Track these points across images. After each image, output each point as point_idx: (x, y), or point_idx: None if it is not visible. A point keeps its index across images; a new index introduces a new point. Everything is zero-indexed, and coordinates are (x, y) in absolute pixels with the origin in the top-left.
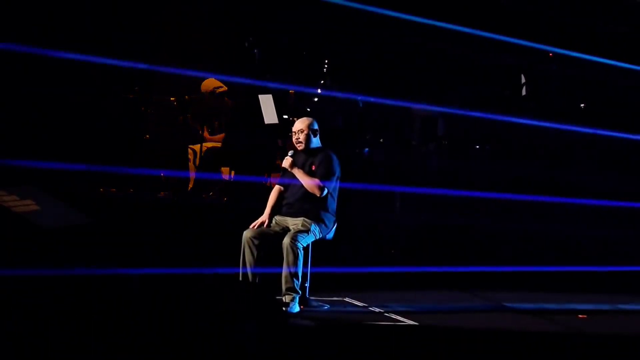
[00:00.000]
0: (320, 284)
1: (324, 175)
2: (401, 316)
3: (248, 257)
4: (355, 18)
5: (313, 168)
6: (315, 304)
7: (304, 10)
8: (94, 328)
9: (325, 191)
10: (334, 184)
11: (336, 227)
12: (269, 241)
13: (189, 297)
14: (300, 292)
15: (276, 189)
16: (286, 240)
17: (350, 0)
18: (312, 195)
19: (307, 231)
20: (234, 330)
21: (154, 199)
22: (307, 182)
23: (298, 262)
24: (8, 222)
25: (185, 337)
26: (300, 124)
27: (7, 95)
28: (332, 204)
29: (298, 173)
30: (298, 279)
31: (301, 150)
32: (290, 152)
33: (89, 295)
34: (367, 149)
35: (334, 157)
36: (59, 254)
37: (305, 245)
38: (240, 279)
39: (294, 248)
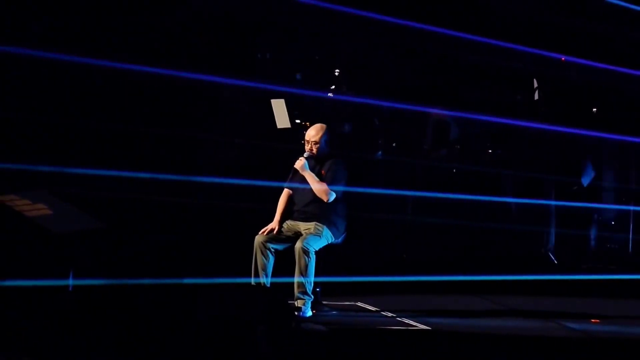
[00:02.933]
0: (332, 289)
1: (332, 181)
2: (413, 320)
3: (260, 262)
4: (369, 24)
5: (323, 173)
6: (327, 308)
7: (315, 16)
8: (107, 335)
9: (333, 196)
10: (342, 190)
11: (347, 231)
12: (281, 246)
13: (202, 303)
14: (312, 297)
15: (285, 193)
16: (298, 245)
17: (366, 10)
18: (322, 199)
19: (320, 235)
20: (247, 335)
21: (166, 204)
22: (316, 186)
23: (310, 266)
24: (20, 227)
25: (199, 342)
26: (314, 135)
27: (22, 99)
28: (343, 209)
29: (308, 176)
30: (311, 283)
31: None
32: (306, 154)
33: (102, 301)
34: (380, 153)
35: (343, 164)
36: (71, 259)
37: (317, 249)
38: (253, 283)
39: (307, 252)
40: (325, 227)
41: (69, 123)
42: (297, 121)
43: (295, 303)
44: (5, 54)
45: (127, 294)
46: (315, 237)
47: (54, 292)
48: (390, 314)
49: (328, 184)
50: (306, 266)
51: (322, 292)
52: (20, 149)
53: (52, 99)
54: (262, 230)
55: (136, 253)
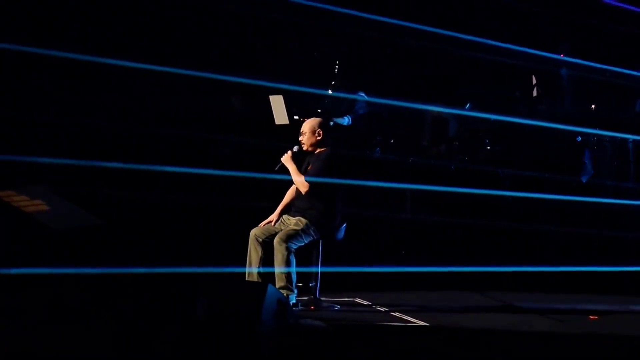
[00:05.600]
0: (330, 285)
1: (313, 173)
2: (412, 317)
3: (253, 255)
4: (368, 21)
5: (309, 168)
6: (325, 304)
7: (315, 13)
8: (102, 328)
9: (309, 188)
10: (324, 182)
11: (345, 227)
12: (273, 239)
13: (200, 297)
14: (295, 291)
15: (292, 188)
16: (275, 240)
17: (366, 12)
18: (310, 194)
19: (299, 231)
20: (245, 330)
21: (164, 200)
22: (295, 178)
23: (287, 261)
24: (18, 222)
25: (197, 336)
26: (305, 126)
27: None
28: (334, 204)
29: (290, 167)
30: (290, 278)
31: (307, 150)
32: (295, 148)
33: (96, 295)
34: (378, 149)
35: (332, 158)
36: (68, 255)
37: (296, 246)
38: (247, 277)
39: (282, 248)
40: (307, 222)
41: (67, 120)
42: (296, 117)
43: None
44: (3, 50)
45: (125, 289)
46: (294, 232)
47: (50, 285)
48: (388, 310)
49: (306, 176)
50: (282, 261)
51: (320, 288)
52: (20, 145)
53: (51, 95)
54: (262, 223)
55: (135, 248)
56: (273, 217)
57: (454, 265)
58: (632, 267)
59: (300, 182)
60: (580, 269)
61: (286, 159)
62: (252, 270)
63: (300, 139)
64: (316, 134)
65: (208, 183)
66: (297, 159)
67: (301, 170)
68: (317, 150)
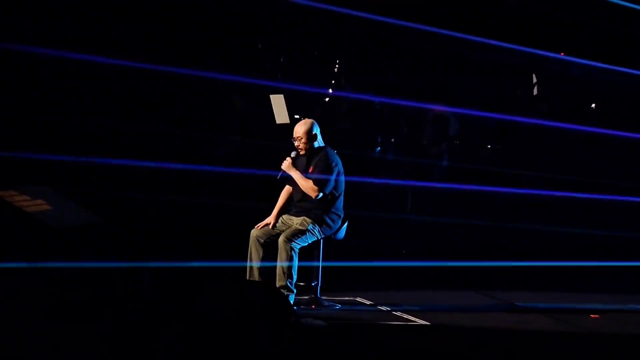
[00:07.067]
0: (331, 284)
1: (318, 178)
2: (413, 316)
3: (254, 256)
4: (369, 20)
5: (310, 170)
6: (326, 303)
7: (316, 12)
8: (103, 326)
9: (320, 194)
10: (332, 184)
11: (343, 225)
12: (275, 240)
13: (200, 296)
14: (294, 291)
15: (286, 189)
16: (280, 239)
17: (367, 12)
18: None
19: (305, 231)
20: (245, 330)
21: (164, 199)
22: (303, 185)
23: (290, 260)
24: (19, 222)
25: (197, 336)
26: (299, 131)
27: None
28: (337, 203)
29: (295, 175)
30: (292, 278)
31: (304, 154)
32: (293, 153)
33: (98, 293)
34: (379, 148)
35: (331, 157)
36: (68, 254)
37: (300, 246)
38: (247, 277)
39: (287, 247)
40: (311, 223)
41: (68, 119)
42: (297, 116)
43: None
44: (7, 50)
45: (126, 287)
46: (299, 232)
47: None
48: (389, 309)
49: (314, 181)
50: (286, 260)
51: (321, 287)
52: (22, 143)
53: (53, 95)
54: (258, 225)
55: (133, 247)
56: (271, 219)
57: (454, 261)
58: (632, 262)
59: (309, 187)
60: (580, 264)
61: (287, 167)
62: (253, 265)
63: (296, 144)
64: (312, 136)
65: (209, 181)
66: (294, 163)
67: (301, 173)
68: (314, 151)
